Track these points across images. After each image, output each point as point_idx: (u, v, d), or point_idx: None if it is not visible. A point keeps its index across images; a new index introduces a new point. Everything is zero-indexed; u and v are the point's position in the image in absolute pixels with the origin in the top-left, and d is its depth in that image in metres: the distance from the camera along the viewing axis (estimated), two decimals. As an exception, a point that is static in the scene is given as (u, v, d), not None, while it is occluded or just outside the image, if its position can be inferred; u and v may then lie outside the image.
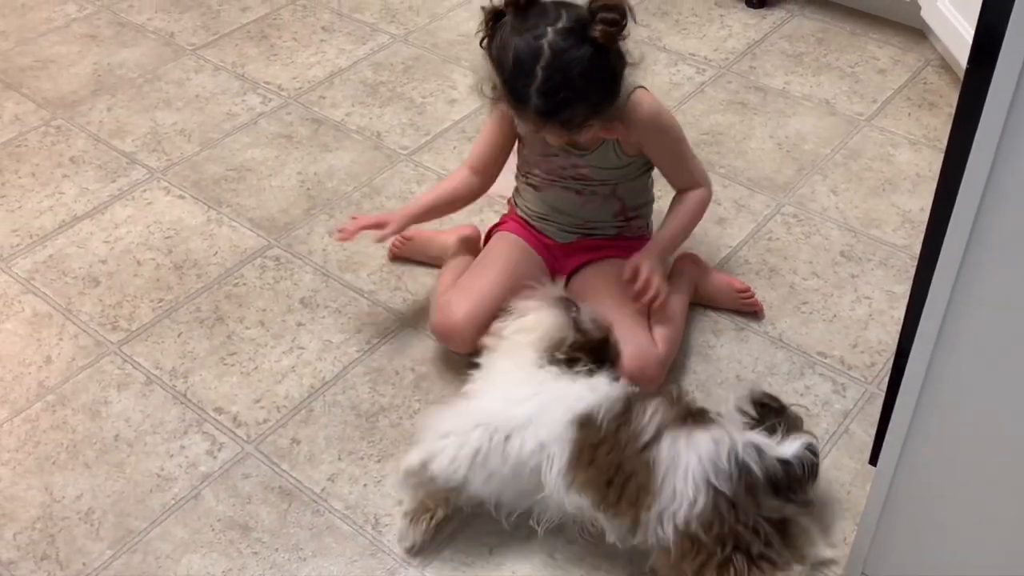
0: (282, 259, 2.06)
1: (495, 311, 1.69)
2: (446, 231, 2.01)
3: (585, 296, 1.72)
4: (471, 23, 2.74)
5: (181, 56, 2.65)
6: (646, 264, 1.74)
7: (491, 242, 1.90)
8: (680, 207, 1.81)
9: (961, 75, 2.52)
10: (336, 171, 2.27)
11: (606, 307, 1.68)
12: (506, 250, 1.85)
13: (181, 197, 2.21)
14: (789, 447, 1.44)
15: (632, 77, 1.68)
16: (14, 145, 2.37)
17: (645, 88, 1.73)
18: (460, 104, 2.46)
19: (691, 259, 1.93)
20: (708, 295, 1.92)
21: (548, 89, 1.57)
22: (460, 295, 1.78)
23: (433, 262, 2.01)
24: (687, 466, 1.39)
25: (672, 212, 1.82)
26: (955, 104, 1.12)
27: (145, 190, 2.23)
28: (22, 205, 2.20)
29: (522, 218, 1.89)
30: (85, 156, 2.33)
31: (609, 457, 1.43)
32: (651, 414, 1.44)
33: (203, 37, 2.72)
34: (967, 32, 2.26)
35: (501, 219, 1.94)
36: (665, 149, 1.77)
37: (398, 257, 2.03)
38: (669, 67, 2.56)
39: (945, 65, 2.53)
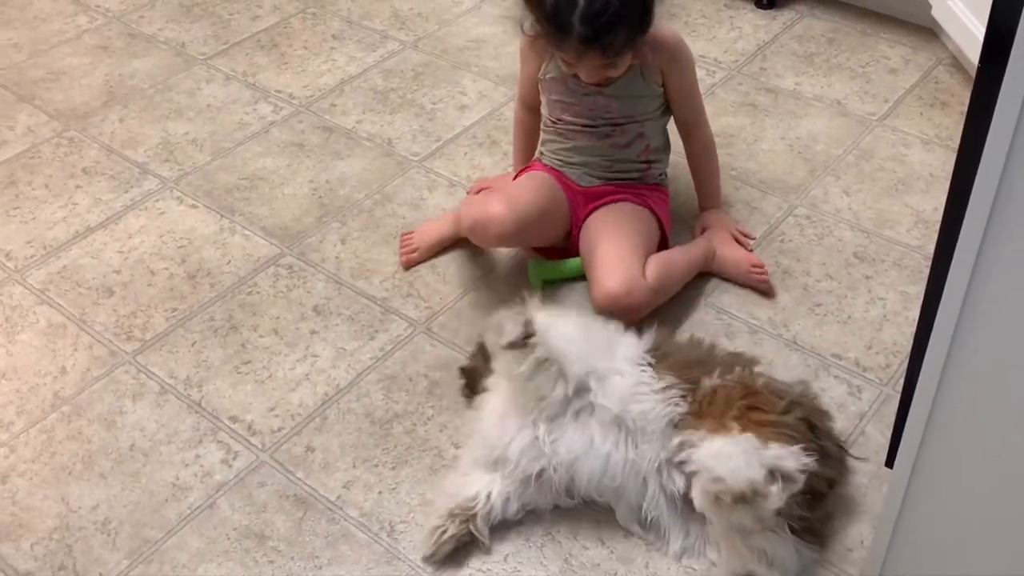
0: (295, 267, 2.06)
1: (530, 218, 1.85)
2: (439, 220, 2.08)
3: (592, 232, 1.89)
4: (480, 28, 2.74)
5: (192, 66, 2.66)
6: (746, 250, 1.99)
7: (521, 176, 2.01)
8: (703, 160, 2.04)
9: (973, 74, 2.51)
10: (348, 178, 2.28)
11: (607, 240, 1.84)
12: (537, 178, 1.96)
13: (194, 206, 2.22)
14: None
15: (659, 8, 1.82)
16: (27, 157, 2.38)
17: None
18: (470, 110, 2.46)
19: (721, 223, 2.04)
20: (721, 261, 1.98)
21: (590, 15, 1.69)
22: (494, 194, 1.89)
23: (443, 245, 2.06)
24: None
25: (701, 168, 2.05)
26: (967, 103, 1.11)
27: (158, 200, 2.24)
28: (36, 216, 2.21)
29: (548, 165, 2.00)
30: (98, 167, 2.34)
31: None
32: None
33: (214, 47, 2.73)
34: (978, 30, 2.25)
35: (527, 166, 2.05)
36: (685, 76, 1.93)
37: (412, 264, 2.05)
38: (679, 70, 2.55)
39: (957, 64, 2.52)
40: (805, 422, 1.50)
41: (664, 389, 1.52)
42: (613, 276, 1.78)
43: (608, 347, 1.57)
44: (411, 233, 2.06)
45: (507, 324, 1.51)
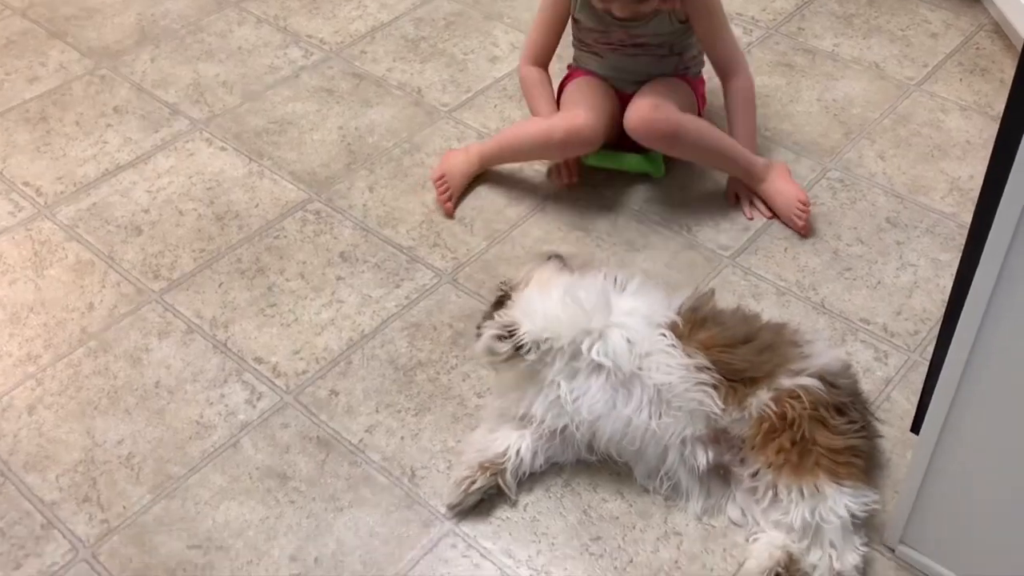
0: (323, 213, 2.06)
1: (609, 118, 1.98)
2: (461, 153, 2.11)
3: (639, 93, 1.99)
4: (515, -21, 2.71)
5: (224, 8, 2.64)
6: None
7: (571, 84, 2.08)
8: (738, 109, 2.03)
9: (1015, 41, 2.46)
10: (377, 126, 2.27)
11: (644, 89, 1.97)
12: (592, 83, 2.05)
13: (223, 149, 2.22)
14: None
15: None
16: (59, 93, 2.38)
17: None
18: (501, 62, 2.44)
19: (778, 164, 2.04)
20: (770, 193, 2.00)
21: None
22: (574, 107, 1.99)
23: (470, 180, 2.09)
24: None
25: (736, 118, 2.04)
26: (1008, 70, 1.09)
27: (188, 141, 2.24)
28: (66, 153, 2.21)
29: (587, 70, 2.09)
30: (128, 106, 2.34)
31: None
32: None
33: (246, -11, 2.71)
34: (1024, -4, 2.20)
35: (567, 75, 2.13)
36: (713, 20, 1.98)
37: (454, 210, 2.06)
38: (715, 27, 2.52)
39: (999, 30, 2.47)
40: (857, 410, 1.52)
41: (697, 369, 1.49)
42: (644, 100, 1.92)
43: (603, 305, 1.54)
44: (443, 178, 2.05)
45: (494, 343, 1.52)
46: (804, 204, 1.96)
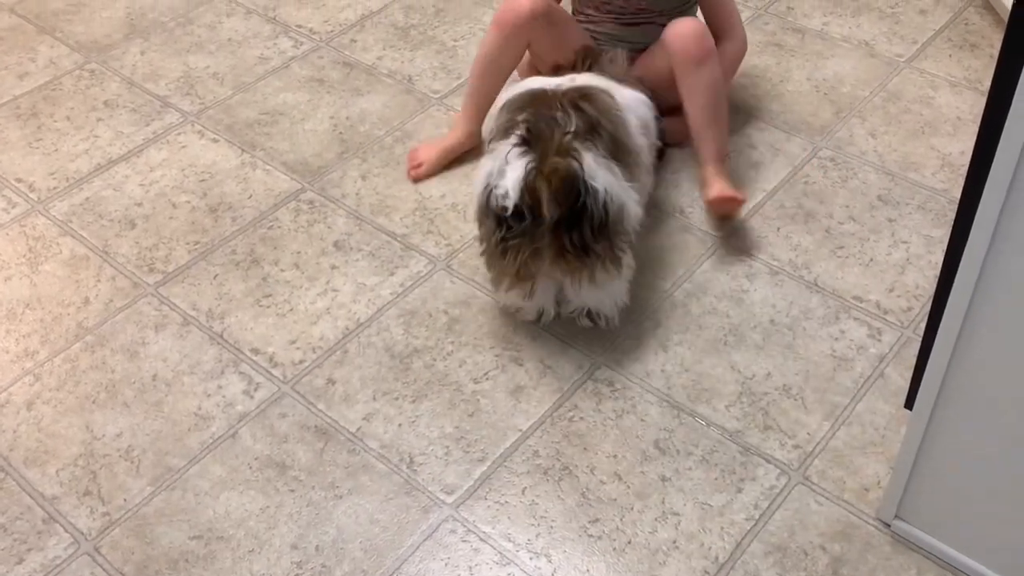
0: (316, 202, 2.06)
1: (560, 13, 2.01)
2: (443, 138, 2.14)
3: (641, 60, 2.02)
4: (504, -36, 2.70)
5: (213, -1, 2.64)
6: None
7: None
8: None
9: (1004, 16, 2.46)
10: (368, 115, 2.27)
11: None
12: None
13: (215, 140, 2.22)
14: None
15: None
16: (49, 89, 2.38)
17: None
18: (493, 47, 2.44)
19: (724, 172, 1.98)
20: (709, 181, 1.94)
21: None
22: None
23: (448, 157, 2.12)
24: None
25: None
26: (997, 46, 1.09)
27: (179, 133, 2.24)
28: (58, 148, 2.21)
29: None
30: (119, 100, 2.34)
31: None
32: None
33: (234, -20, 2.71)
34: (1012, -29, 2.20)
35: None
36: None
37: (420, 178, 2.11)
38: (705, 8, 2.52)
39: (987, 5, 2.47)
40: None
41: None
42: (689, 20, 1.96)
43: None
44: (417, 149, 2.10)
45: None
46: (736, 200, 1.91)
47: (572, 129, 1.60)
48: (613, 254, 1.62)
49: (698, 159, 1.97)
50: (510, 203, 1.55)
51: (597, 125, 1.63)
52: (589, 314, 1.78)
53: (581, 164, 1.55)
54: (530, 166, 1.55)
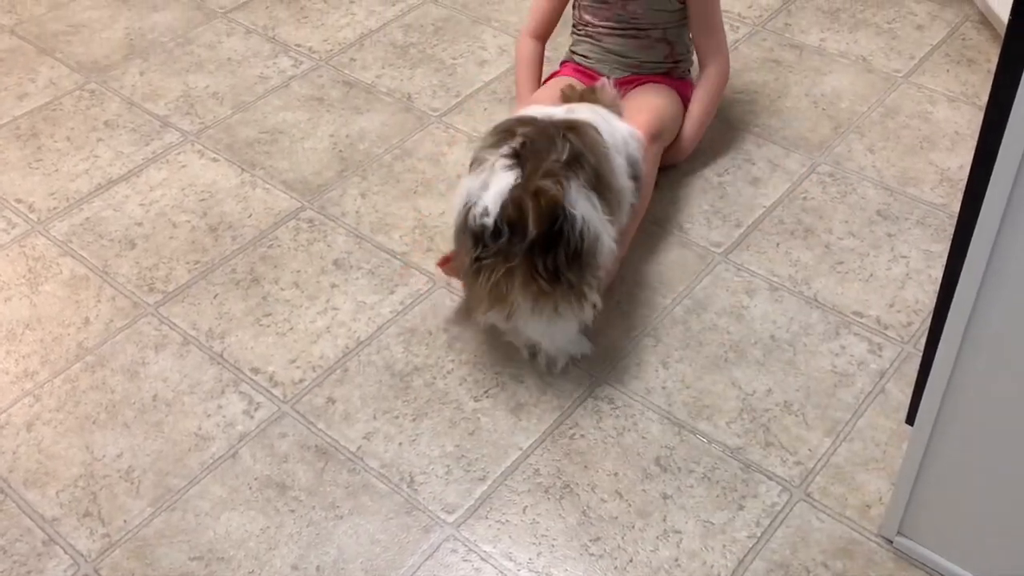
0: (315, 221, 2.06)
1: None
2: None
3: (626, 103, 1.99)
4: (502, -18, 2.72)
5: (212, 19, 2.65)
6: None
7: (553, 80, 2.12)
8: (704, 93, 2.10)
9: (1001, 31, 2.47)
10: (367, 133, 2.27)
11: (642, 103, 2.01)
12: (562, 82, 2.03)
13: (215, 160, 2.22)
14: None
15: None
16: (49, 109, 2.38)
17: None
18: (490, 65, 2.45)
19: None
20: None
21: None
22: (523, 108, 1.94)
23: None
24: None
25: (696, 99, 2.10)
26: (994, 61, 1.10)
27: (179, 153, 2.25)
28: (58, 168, 2.22)
29: (578, 64, 2.15)
30: (119, 120, 2.35)
31: None
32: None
33: (233, 0, 2.72)
34: (1009, -14, 2.21)
35: (555, 72, 2.18)
36: (708, 2, 2.06)
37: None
38: (702, 25, 2.53)
39: (984, 21, 2.48)
40: None
41: None
42: (641, 118, 1.95)
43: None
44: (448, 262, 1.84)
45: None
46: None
47: (564, 157, 1.60)
48: (580, 288, 1.61)
49: None
50: (489, 220, 1.55)
51: (581, 157, 1.63)
52: (533, 348, 1.76)
53: (564, 189, 1.55)
54: (516, 182, 1.55)
